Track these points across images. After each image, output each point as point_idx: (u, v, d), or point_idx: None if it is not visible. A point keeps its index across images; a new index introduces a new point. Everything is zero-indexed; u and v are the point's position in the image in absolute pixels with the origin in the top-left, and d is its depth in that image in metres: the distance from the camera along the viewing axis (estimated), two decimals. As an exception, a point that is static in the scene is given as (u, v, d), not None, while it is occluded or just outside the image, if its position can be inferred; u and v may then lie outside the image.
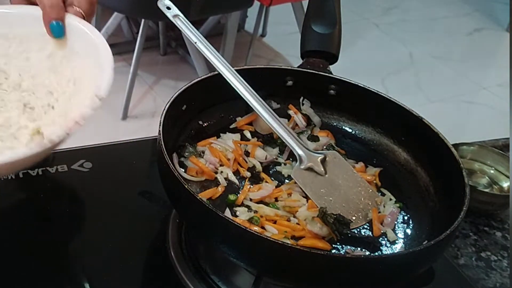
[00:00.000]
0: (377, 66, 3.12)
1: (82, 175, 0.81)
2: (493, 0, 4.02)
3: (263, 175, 0.74)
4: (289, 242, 0.62)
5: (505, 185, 0.91)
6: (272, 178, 0.74)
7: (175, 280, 0.68)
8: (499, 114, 2.61)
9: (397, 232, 0.69)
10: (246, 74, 0.76)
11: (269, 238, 0.55)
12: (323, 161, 0.73)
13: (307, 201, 0.69)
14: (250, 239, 0.55)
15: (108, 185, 0.82)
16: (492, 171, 0.93)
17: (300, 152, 0.73)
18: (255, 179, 0.73)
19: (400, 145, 0.80)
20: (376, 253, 0.66)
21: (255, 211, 0.68)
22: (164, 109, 0.68)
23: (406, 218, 0.72)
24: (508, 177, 0.91)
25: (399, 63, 3.22)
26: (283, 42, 3.18)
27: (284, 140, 0.74)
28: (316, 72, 0.80)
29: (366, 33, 3.47)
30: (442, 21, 3.78)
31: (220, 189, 0.70)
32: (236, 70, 0.75)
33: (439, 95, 2.97)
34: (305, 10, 0.84)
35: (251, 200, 0.69)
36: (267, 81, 0.80)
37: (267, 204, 0.69)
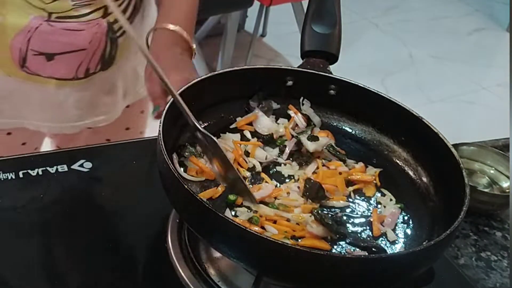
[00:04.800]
0: (377, 66, 3.12)
1: (82, 175, 0.81)
2: (493, 0, 4.02)
3: (263, 175, 0.74)
4: (289, 242, 0.62)
5: (505, 185, 0.91)
6: (272, 179, 0.74)
7: (175, 280, 0.68)
8: (499, 114, 2.60)
9: (397, 232, 0.69)
10: (246, 74, 0.76)
11: (269, 238, 0.55)
12: None
13: (304, 201, 0.69)
14: (250, 239, 0.55)
15: (108, 185, 0.82)
16: (492, 171, 0.93)
17: None
18: (255, 179, 0.73)
19: (400, 145, 0.79)
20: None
21: (255, 211, 0.68)
22: (164, 109, 0.68)
23: (406, 218, 0.71)
24: (508, 177, 0.91)
25: (399, 63, 3.22)
26: (283, 42, 3.19)
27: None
28: (316, 72, 0.80)
29: (366, 33, 3.47)
30: (442, 21, 3.78)
31: (220, 189, 0.70)
32: (236, 70, 0.75)
33: (439, 95, 2.97)
34: (305, 10, 0.84)
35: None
36: (267, 81, 0.80)
37: (266, 204, 0.69)
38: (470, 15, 3.90)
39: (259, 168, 0.74)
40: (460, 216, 0.60)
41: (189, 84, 0.73)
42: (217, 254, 0.70)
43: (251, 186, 0.71)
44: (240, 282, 0.68)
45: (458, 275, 0.76)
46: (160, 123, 0.66)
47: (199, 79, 0.75)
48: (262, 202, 0.69)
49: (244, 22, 3.22)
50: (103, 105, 0.98)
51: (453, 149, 0.70)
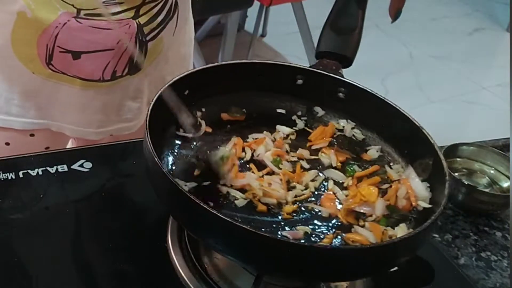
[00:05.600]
0: (377, 66, 3.12)
1: (82, 175, 0.81)
2: (493, 0, 4.02)
3: (251, 165, 0.74)
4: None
5: (505, 185, 0.91)
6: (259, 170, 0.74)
7: (175, 280, 0.68)
8: (499, 114, 2.61)
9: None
10: (257, 70, 0.75)
11: (265, 235, 0.55)
12: None
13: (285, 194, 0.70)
14: (243, 234, 0.55)
15: (108, 185, 0.82)
16: (492, 171, 0.93)
17: None
18: (243, 168, 0.73)
19: (400, 155, 0.77)
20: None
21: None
22: (152, 102, 0.68)
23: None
24: (508, 177, 0.91)
25: (399, 63, 3.22)
26: (283, 42, 3.19)
27: None
28: (328, 73, 0.78)
29: (366, 33, 3.46)
30: (442, 21, 3.79)
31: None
32: (247, 63, 0.76)
33: (439, 95, 2.97)
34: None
35: (231, 186, 0.69)
36: (276, 77, 0.80)
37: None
38: (470, 15, 3.90)
39: (248, 157, 0.75)
40: (436, 214, 0.59)
41: (194, 70, 0.73)
42: (217, 254, 0.70)
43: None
44: (240, 282, 0.68)
45: (458, 275, 0.76)
46: (147, 116, 0.66)
47: (205, 67, 0.74)
48: (243, 189, 0.70)
49: (244, 22, 3.22)
50: (128, 111, 0.96)
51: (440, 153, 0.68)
